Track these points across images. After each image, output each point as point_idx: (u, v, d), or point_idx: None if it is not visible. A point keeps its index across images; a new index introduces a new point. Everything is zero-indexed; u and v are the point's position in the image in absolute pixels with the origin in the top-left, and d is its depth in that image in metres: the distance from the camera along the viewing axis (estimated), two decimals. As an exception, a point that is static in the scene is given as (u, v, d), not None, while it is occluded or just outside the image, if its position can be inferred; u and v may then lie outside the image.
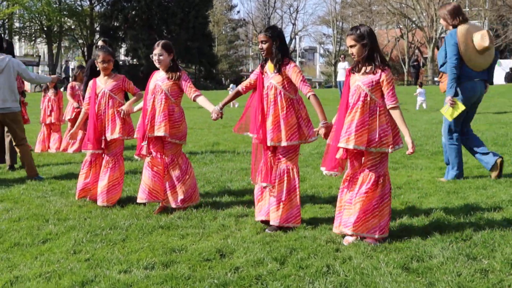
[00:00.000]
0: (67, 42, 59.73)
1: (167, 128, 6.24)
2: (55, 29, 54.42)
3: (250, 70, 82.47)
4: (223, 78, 64.86)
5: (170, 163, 6.38)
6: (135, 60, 50.69)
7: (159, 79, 6.41)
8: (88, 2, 55.49)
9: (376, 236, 5.00)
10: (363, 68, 5.10)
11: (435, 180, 7.59)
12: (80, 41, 56.15)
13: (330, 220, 5.73)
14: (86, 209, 6.50)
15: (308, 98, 5.41)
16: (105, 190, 6.69)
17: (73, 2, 55.63)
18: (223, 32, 71.24)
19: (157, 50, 6.33)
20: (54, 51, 55.29)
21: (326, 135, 5.28)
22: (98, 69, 6.96)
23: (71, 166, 9.61)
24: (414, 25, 51.49)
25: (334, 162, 5.18)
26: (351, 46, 5.09)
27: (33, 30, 56.18)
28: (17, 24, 56.23)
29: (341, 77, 23.76)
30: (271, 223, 5.55)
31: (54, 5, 52.70)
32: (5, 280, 4.32)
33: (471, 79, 7.37)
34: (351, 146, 4.98)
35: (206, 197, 6.95)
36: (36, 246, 5.18)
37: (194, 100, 6.31)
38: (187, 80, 6.38)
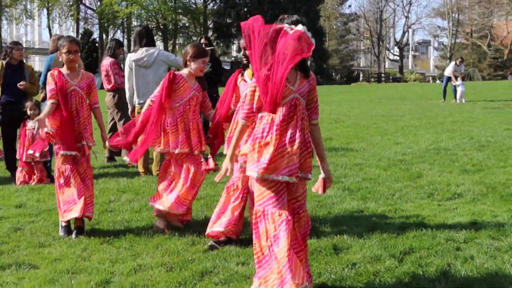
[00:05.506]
0: (182, 39, 61.48)
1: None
2: (170, 27, 56.25)
3: (362, 65, 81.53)
4: (333, 73, 64.51)
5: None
6: (247, 56, 51.59)
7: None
8: (202, 0, 56.89)
9: None
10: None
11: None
12: (194, 38, 57.69)
13: (449, 218, 5.57)
14: (204, 202, 6.64)
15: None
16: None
17: (187, 1, 57.26)
18: (334, 27, 70.85)
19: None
20: (170, 48, 57.12)
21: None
22: None
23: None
24: (536, 15, 48.97)
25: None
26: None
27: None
28: (135, 23, 58.56)
29: (448, 74, 22.19)
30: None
31: (170, 4, 54.43)
32: (129, 267, 4.51)
33: None
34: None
35: (320, 192, 6.92)
36: (157, 237, 5.35)
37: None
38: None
